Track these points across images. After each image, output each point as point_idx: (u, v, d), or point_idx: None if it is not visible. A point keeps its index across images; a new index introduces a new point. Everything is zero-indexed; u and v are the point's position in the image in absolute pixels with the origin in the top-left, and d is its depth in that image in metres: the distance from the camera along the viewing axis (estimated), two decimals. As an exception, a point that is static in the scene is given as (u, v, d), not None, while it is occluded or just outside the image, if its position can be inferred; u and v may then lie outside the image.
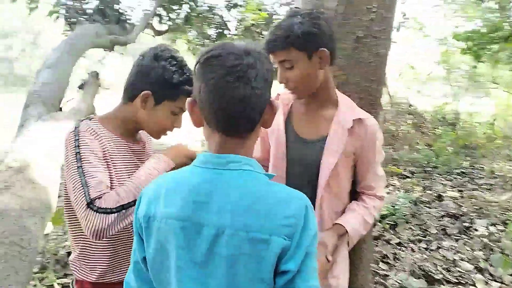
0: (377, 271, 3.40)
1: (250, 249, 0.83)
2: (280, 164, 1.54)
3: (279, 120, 1.55)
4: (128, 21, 6.09)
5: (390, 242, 3.93)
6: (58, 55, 4.76)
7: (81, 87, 4.03)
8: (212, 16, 7.63)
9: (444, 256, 3.59)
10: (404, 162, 6.97)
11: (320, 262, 1.34)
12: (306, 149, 1.50)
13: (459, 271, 3.37)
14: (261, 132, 1.63)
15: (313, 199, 1.47)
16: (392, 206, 4.56)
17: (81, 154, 1.21)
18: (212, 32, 8.09)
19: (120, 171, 1.31)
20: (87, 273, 1.33)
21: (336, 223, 1.48)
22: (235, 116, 0.87)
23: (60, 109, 3.74)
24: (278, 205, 0.85)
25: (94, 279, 1.32)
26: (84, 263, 1.33)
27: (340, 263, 1.54)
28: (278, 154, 1.54)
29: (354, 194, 1.58)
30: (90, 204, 1.15)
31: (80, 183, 1.18)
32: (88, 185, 1.17)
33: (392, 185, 5.80)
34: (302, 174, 1.51)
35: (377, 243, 3.94)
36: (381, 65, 1.74)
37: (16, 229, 1.73)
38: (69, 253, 3.41)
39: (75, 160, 1.21)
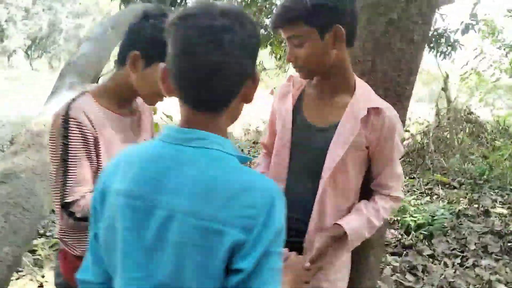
0: (402, 281, 3.19)
1: (200, 239, 0.73)
2: (283, 151, 1.42)
3: (287, 104, 1.43)
4: (182, 4, 6.10)
5: (422, 253, 3.68)
6: (101, 30, 4.87)
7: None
8: (269, 5, 7.49)
9: (478, 275, 3.30)
10: (454, 172, 6.52)
11: (293, 267, 1.20)
12: (313, 137, 1.37)
13: (493, 293, 3.08)
14: (271, 115, 1.55)
15: (314, 192, 1.35)
16: (430, 215, 4.27)
17: (68, 147, 1.17)
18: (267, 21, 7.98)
19: (112, 149, 1.25)
20: (72, 246, 1.29)
21: (335, 223, 1.35)
22: (203, 86, 0.77)
23: (97, 81, 3.81)
24: (240, 192, 0.74)
25: (79, 253, 1.29)
26: (69, 237, 1.29)
27: (339, 268, 1.41)
28: (283, 140, 1.41)
29: (368, 193, 1.44)
30: (64, 206, 1.15)
31: (61, 181, 1.17)
32: (67, 186, 1.16)
33: (436, 194, 5.45)
34: (306, 164, 1.38)
35: (407, 252, 3.70)
36: (415, 54, 1.57)
37: (23, 191, 1.76)
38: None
39: (61, 151, 1.17)
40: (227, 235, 0.71)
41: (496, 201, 5.19)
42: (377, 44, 1.54)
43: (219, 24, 0.75)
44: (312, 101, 1.42)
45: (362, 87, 1.37)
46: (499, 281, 3.23)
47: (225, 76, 0.77)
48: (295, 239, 1.37)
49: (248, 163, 1.53)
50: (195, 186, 0.75)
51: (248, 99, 0.85)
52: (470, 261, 3.55)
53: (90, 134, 1.19)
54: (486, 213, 4.76)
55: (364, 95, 1.34)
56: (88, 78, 4.11)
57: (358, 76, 1.51)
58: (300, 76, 1.35)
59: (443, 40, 7.12)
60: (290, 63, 1.31)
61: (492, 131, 8.55)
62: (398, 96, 1.57)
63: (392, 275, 3.27)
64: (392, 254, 3.70)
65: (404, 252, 3.71)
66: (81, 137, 1.17)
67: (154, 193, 0.77)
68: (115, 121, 1.27)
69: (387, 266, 3.41)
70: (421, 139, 7.52)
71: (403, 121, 1.62)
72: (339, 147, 1.31)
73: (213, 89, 0.78)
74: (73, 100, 1.23)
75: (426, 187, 5.72)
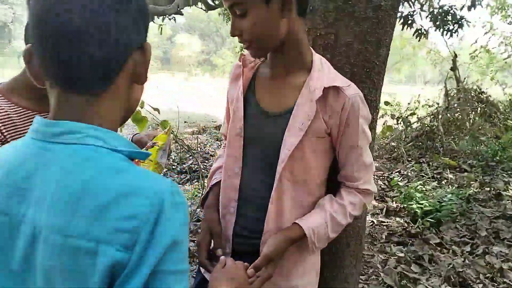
0: (407, 273, 2.99)
1: (70, 262, 0.57)
2: (235, 142, 1.25)
3: (238, 88, 1.26)
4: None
5: (429, 242, 3.47)
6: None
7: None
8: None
9: (489, 263, 3.08)
10: (465, 155, 6.24)
11: (231, 275, 1.02)
12: (267, 125, 1.20)
13: (505, 281, 2.86)
14: (226, 102, 1.38)
15: (271, 187, 1.18)
16: (438, 201, 4.05)
17: None
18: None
19: None
20: None
21: (294, 223, 1.17)
22: (68, 58, 0.61)
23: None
24: (116, 199, 0.58)
25: None
26: None
27: (305, 272, 1.23)
28: (235, 129, 1.24)
29: (338, 187, 1.26)
30: None
31: None
32: None
33: (445, 178, 5.20)
34: (260, 155, 1.21)
35: (412, 241, 3.50)
36: (384, 23, 1.37)
37: None
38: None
39: None
40: (102, 256, 0.56)
41: (509, 184, 4.92)
42: (339, 14, 1.35)
43: None
44: (266, 83, 1.24)
45: (320, 63, 1.19)
46: (511, 269, 3.01)
47: (95, 43, 0.61)
48: (253, 241, 1.21)
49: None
50: (60, 194, 0.59)
51: (139, 77, 0.69)
52: (481, 249, 3.32)
53: None
54: (498, 196, 4.51)
55: (322, 73, 1.16)
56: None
57: (320, 51, 1.34)
58: (250, 54, 1.17)
59: (449, 17, 6.81)
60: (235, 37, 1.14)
61: (505, 110, 8.20)
62: (367, 72, 1.38)
63: (396, 267, 3.08)
64: (398, 244, 3.51)
65: (410, 241, 3.52)
66: None
67: (19, 205, 0.61)
68: (28, 117, 1.11)
69: (391, 257, 3.23)
70: (430, 121, 7.25)
71: (374, 101, 1.43)
72: (294, 135, 1.14)
73: (81, 62, 0.61)
74: None
75: (435, 172, 5.48)
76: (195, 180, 5.15)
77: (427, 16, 6.63)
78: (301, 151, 1.15)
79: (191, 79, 33.77)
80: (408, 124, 7.19)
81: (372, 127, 1.46)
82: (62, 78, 0.63)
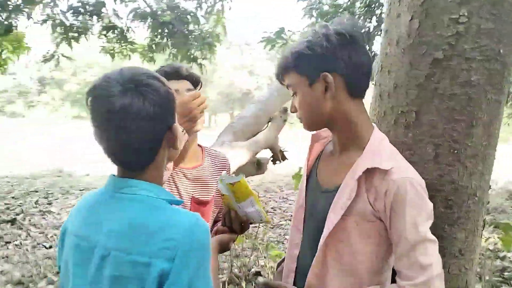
0: None
1: (132, 271, 0.84)
2: (298, 215, 1.29)
3: (305, 163, 1.31)
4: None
5: None
6: (267, 94, 5.33)
7: (269, 120, 4.35)
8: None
9: None
10: None
11: None
12: (320, 200, 1.21)
13: None
14: None
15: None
16: None
17: None
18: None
19: None
20: None
21: None
22: (119, 158, 0.92)
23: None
24: (160, 229, 0.85)
25: None
26: None
27: None
28: (298, 203, 1.29)
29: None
30: None
31: None
32: None
33: None
34: (314, 229, 1.20)
35: None
36: (478, 99, 1.18)
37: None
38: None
39: None
40: (153, 266, 0.82)
41: None
42: (422, 91, 1.23)
43: (117, 106, 0.85)
44: (327, 158, 1.28)
45: (377, 143, 1.13)
46: None
47: (136, 148, 0.89)
48: None
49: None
50: (123, 226, 0.87)
51: (173, 146, 0.96)
52: None
53: None
54: None
55: (374, 154, 1.10)
56: (242, 138, 4.53)
57: (402, 130, 1.28)
58: (304, 128, 1.24)
59: None
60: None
61: None
62: (455, 154, 1.20)
63: None
64: None
65: None
66: None
67: (95, 234, 0.90)
68: None
69: None
70: None
71: (467, 188, 1.22)
72: (335, 213, 1.10)
73: (130, 161, 0.92)
74: None
75: None
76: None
77: None
78: (345, 232, 1.10)
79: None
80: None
81: (467, 217, 1.24)
82: (119, 165, 0.95)
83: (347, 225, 1.09)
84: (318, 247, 1.12)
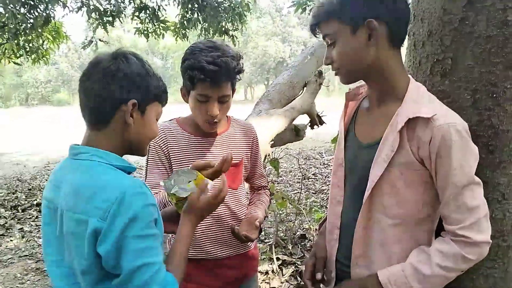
0: None
1: (76, 228, 0.95)
2: (338, 172, 1.31)
3: (342, 120, 1.32)
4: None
5: None
6: (301, 58, 5.26)
7: (304, 85, 4.32)
8: None
9: None
10: None
11: None
12: (360, 155, 1.22)
13: None
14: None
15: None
16: None
17: (148, 155, 1.53)
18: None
19: (179, 161, 1.53)
20: None
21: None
22: (83, 107, 1.04)
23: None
24: (100, 189, 0.94)
25: None
26: None
27: None
28: (338, 160, 1.31)
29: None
30: None
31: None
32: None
33: None
34: (357, 185, 1.22)
35: None
36: (515, 39, 1.14)
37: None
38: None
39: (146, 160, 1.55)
40: (90, 224, 0.92)
41: None
42: (457, 36, 1.20)
43: (98, 59, 1.03)
44: (364, 114, 1.28)
45: (416, 93, 1.13)
46: None
47: (93, 100, 1.01)
48: (344, 269, 1.25)
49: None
50: (73, 188, 0.98)
51: (126, 122, 1.03)
52: None
53: (161, 146, 1.53)
54: None
55: (415, 103, 1.09)
56: (278, 105, 4.55)
57: (438, 78, 1.27)
58: (340, 81, 1.22)
59: None
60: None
61: None
62: (495, 98, 1.17)
63: None
64: None
65: None
66: (156, 147, 1.53)
67: (57, 197, 1.02)
68: (188, 139, 1.58)
69: None
70: None
71: (508, 132, 1.20)
72: (378, 166, 1.12)
73: (90, 110, 1.03)
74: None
75: None
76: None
77: None
78: (390, 184, 1.11)
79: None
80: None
81: (510, 161, 1.22)
82: (84, 119, 1.06)
83: (391, 177, 1.10)
84: (363, 201, 1.14)
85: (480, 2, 1.15)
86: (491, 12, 1.14)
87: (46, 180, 7.36)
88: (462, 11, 1.18)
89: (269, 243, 3.82)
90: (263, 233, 4.24)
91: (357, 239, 1.19)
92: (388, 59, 1.13)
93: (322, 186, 6.45)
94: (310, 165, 8.28)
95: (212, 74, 1.37)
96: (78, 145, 1.06)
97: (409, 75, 1.19)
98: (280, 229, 4.17)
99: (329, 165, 8.07)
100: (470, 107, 1.21)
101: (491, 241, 1.06)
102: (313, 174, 7.39)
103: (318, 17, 1.16)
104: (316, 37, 1.22)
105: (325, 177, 7.08)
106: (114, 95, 1.01)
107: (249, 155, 1.70)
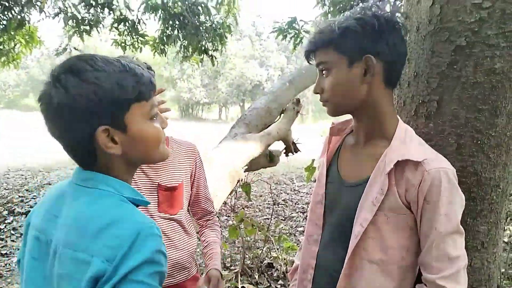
0: None
1: (73, 269, 0.76)
2: (316, 209, 1.25)
3: (324, 155, 1.27)
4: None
5: None
6: (279, 84, 5.27)
7: (282, 112, 4.32)
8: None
9: None
10: None
11: None
12: (342, 194, 1.17)
13: None
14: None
15: (344, 261, 1.11)
16: None
17: None
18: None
19: None
20: None
21: None
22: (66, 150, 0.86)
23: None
24: (109, 225, 0.76)
25: None
26: None
27: None
28: (317, 196, 1.25)
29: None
30: None
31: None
32: None
33: None
34: (337, 225, 1.17)
35: None
36: (502, 87, 1.14)
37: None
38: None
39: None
40: (92, 265, 0.74)
41: None
42: (444, 79, 1.19)
43: (47, 95, 0.79)
44: (348, 151, 1.23)
45: (403, 134, 1.09)
46: None
47: (65, 146, 0.84)
48: None
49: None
50: (75, 220, 0.80)
51: (106, 148, 0.82)
52: None
53: None
54: None
55: (402, 145, 1.06)
56: (255, 129, 4.51)
57: (423, 120, 1.24)
58: (328, 112, 1.17)
59: None
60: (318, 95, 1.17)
61: None
62: (478, 145, 1.16)
63: None
64: None
65: None
66: None
67: (51, 228, 0.84)
68: None
69: None
70: None
71: (491, 179, 1.18)
72: (367, 210, 1.07)
73: (70, 154, 0.85)
74: None
75: None
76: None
77: None
78: (376, 227, 1.07)
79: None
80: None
81: (491, 209, 1.20)
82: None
83: (377, 221, 1.06)
84: (350, 245, 1.08)
85: (469, 48, 1.15)
86: (480, 59, 1.14)
87: (5, 189, 7.02)
88: (450, 55, 1.18)
89: (235, 270, 3.70)
90: (228, 259, 4.11)
91: (341, 286, 1.11)
92: (380, 98, 1.10)
93: (292, 213, 6.39)
94: (281, 190, 8.23)
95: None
96: (86, 170, 0.86)
97: (398, 116, 1.16)
98: (247, 256, 4.06)
99: (299, 191, 8.04)
100: (454, 152, 1.19)
101: None
102: (283, 200, 7.33)
103: (316, 43, 1.12)
104: (310, 63, 1.18)
105: (295, 203, 7.04)
106: (77, 134, 0.81)
107: (191, 177, 1.65)
